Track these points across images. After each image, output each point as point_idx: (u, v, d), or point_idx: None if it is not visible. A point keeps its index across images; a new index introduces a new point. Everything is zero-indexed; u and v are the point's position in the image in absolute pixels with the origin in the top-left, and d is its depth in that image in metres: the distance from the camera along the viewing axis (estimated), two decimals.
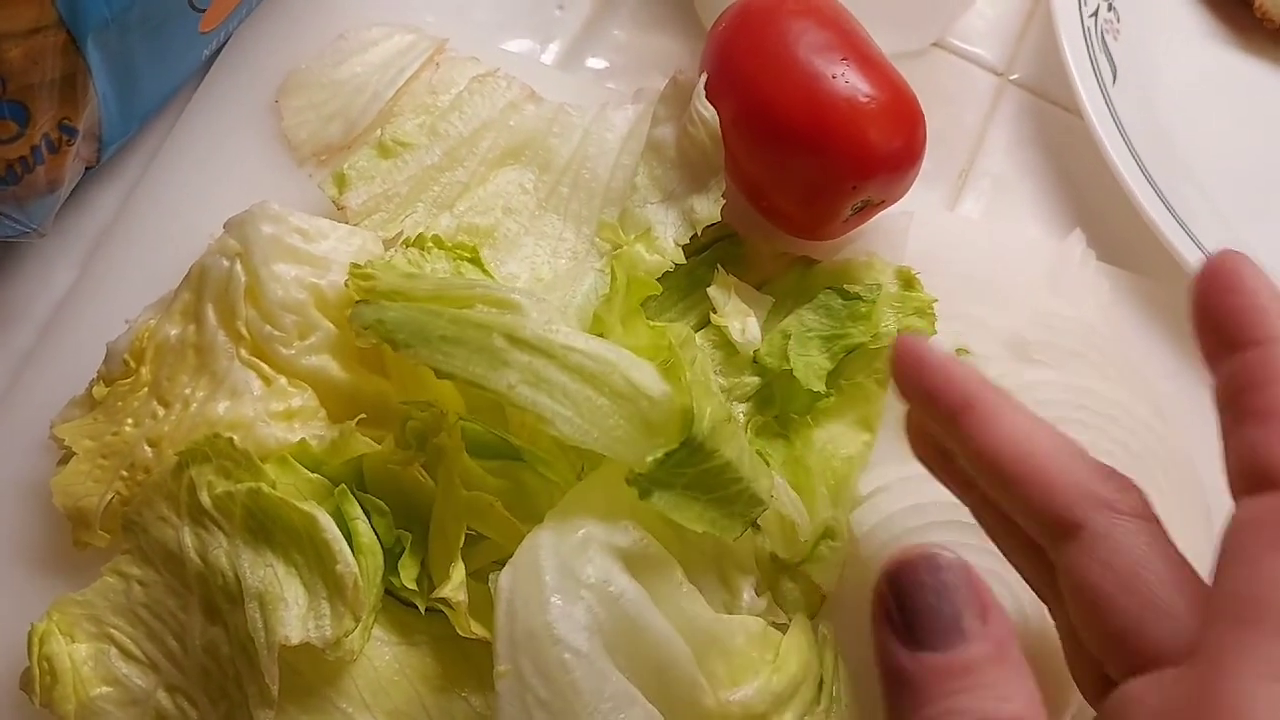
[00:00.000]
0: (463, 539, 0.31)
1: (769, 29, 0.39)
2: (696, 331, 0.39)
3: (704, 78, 0.39)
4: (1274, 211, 0.47)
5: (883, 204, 0.39)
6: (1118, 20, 0.49)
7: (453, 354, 0.31)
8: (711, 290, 0.39)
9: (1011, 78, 0.50)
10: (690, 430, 0.30)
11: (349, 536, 0.30)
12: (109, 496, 0.32)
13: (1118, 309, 0.44)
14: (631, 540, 0.30)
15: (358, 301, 0.32)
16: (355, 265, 0.33)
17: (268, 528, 0.30)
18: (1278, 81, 0.51)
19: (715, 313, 0.38)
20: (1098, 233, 0.45)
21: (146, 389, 0.33)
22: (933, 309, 0.39)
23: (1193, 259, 0.43)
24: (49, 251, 0.39)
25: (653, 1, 0.48)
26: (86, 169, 0.38)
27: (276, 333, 0.33)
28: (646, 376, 0.32)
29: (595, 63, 0.47)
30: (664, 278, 0.38)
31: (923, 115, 0.38)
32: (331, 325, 0.34)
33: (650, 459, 0.30)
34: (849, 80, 0.37)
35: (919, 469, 0.38)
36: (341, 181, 0.38)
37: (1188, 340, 0.44)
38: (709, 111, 0.39)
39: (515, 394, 0.31)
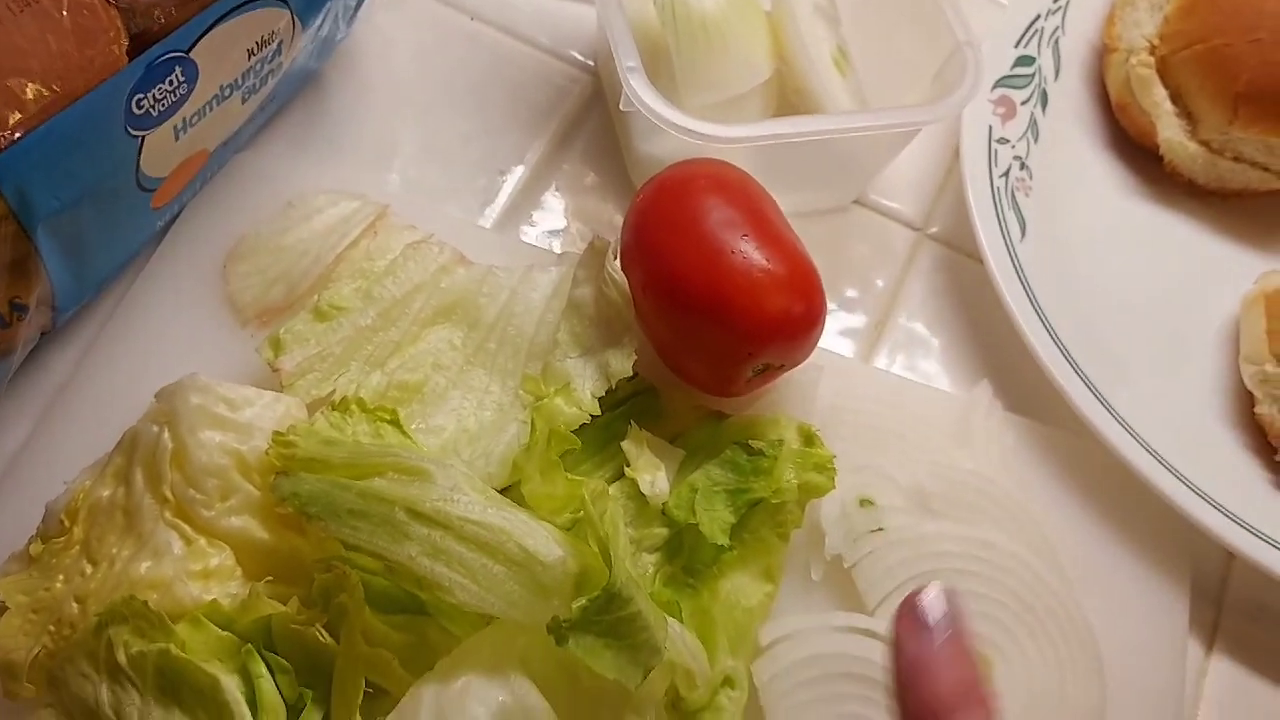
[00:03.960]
0: (361, 695, 0.33)
1: (681, 202, 0.41)
2: (611, 483, 0.41)
3: (616, 243, 0.42)
4: (1178, 363, 0.50)
5: (783, 366, 0.42)
6: (1030, 178, 0.52)
7: (359, 528, 0.33)
8: (625, 444, 0.41)
9: (929, 232, 0.53)
10: (610, 578, 0.32)
11: (253, 694, 0.32)
12: (36, 650, 0.34)
13: (1022, 459, 0.46)
14: (512, 693, 0.32)
15: (277, 473, 0.35)
16: (277, 433, 0.36)
17: (177, 687, 0.32)
18: (1187, 232, 0.54)
19: (628, 466, 0.41)
20: (1007, 383, 0.48)
21: (78, 547, 0.36)
22: (832, 464, 0.41)
23: (1092, 412, 0.45)
24: (5, 410, 0.41)
25: (590, 166, 0.52)
26: (42, 334, 0.41)
27: (199, 495, 0.35)
28: (540, 542, 0.34)
29: (534, 224, 0.50)
30: (582, 430, 0.41)
31: (820, 286, 0.41)
32: (253, 488, 0.36)
33: (576, 604, 0.32)
34: (748, 254, 0.40)
35: (818, 620, 0.40)
36: (277, 345, 0.41)
37: (1090, 491, 0.46)
38: (619, 276, 0.42)
39: (416, 565, 0.33)
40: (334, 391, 0.41)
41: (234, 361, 0.42)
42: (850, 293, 0.50)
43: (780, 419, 0.42)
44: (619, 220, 0.50)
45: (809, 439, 0.41)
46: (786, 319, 0.40)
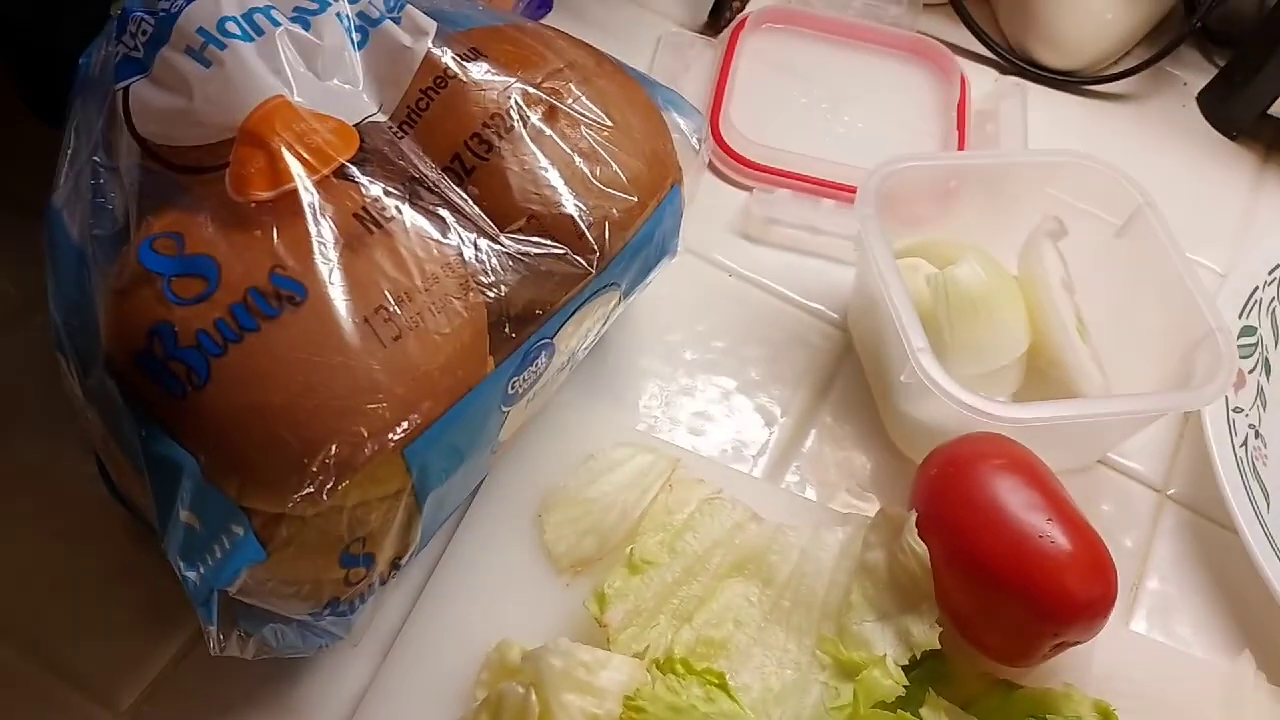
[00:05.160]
0: None
1: (980, 481, 0.45)
2: None
3: (914, 515, 0.45)
4: None
5: (1079, 642, 0.44)
6: (1265, 446, 0.55)
7: None
8: (924, 711, 0.43)
9: (1169, 493, 0.55)
10: None
11: None
12: None
13: None
14: None
15: None
16: (628, 698, 0.39)
17: None
18: None
19: None
20: (1270, 653, 0.49)
21: None
22: None
23: None
24: (341, 655, 0.44)
25: (844, 419, 0.55)
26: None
27: None
28: None
29: (799, 475, 0.53)
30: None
31: (1114, 567, 0.43)
32: None
33: None
34: (1053, 538, 0.42)
35: None
36: (602, 600, 0.44)
37: None
38: (920, 547, 0.44)
39: None
40: (647, 647, 0.43)
41: (552, 612, 0.45)
42: None
43: (1074, 695, 0.44)
44: (878, 473, 0.53)
45: (1107, 716, 0.43)
46: (1089, 601, 0.42)
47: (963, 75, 0.69)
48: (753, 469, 0.53)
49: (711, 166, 0.64)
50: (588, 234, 0.43)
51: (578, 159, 0.44)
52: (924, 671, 0.45)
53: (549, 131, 0.44)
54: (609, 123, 0.46)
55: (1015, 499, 0.43)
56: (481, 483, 0.49)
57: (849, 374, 0.57)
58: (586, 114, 0.45)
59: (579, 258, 0.43)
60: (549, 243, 0.42)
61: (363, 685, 0.44)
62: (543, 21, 0.70)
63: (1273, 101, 0.69)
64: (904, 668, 0.45)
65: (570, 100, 0.46)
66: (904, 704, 0.44)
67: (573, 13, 0.70)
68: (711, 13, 0.71)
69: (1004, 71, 0.72)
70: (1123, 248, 0.55)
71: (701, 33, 0.71)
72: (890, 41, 0.71)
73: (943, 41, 0.73)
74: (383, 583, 0.40)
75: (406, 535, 0.40)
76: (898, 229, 0.56)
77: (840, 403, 0.56)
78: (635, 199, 0.45)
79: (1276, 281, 0.60)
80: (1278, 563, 0.49)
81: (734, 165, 0.63)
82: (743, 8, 0.71)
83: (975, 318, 0.51)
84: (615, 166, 0.45)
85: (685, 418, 0.54)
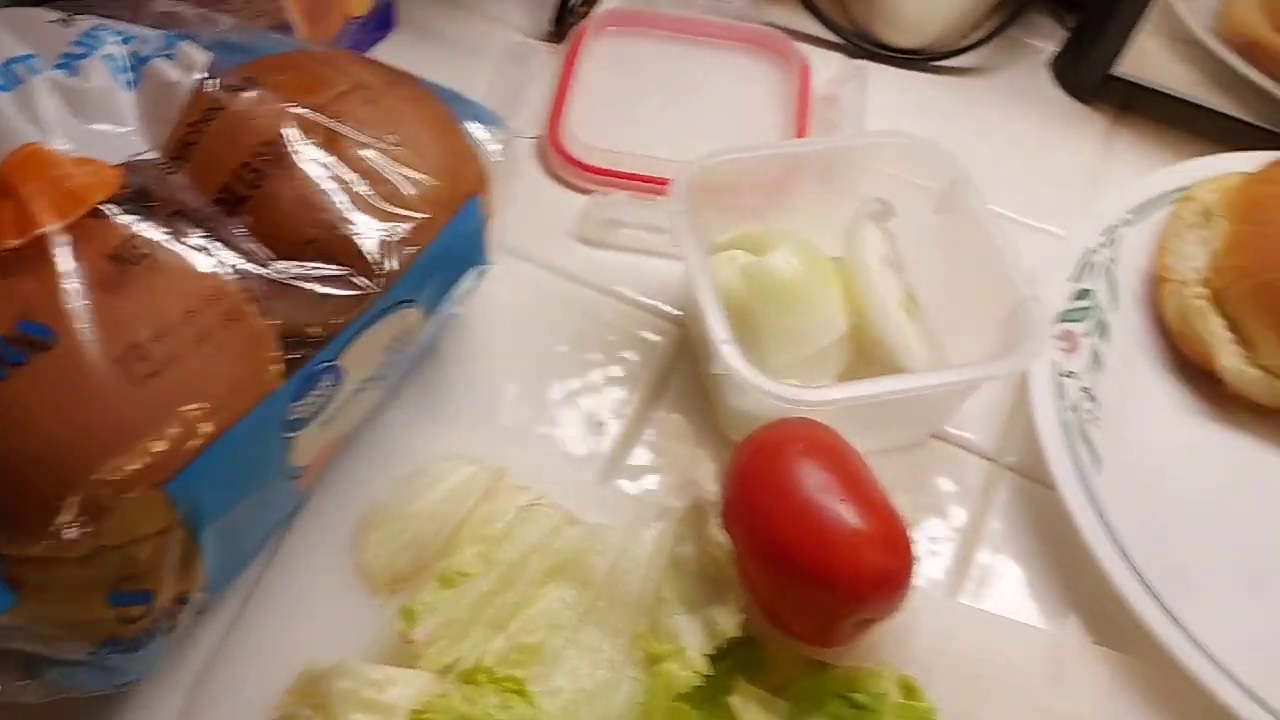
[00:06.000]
0: None
1: (778, 466, 0.45)
2: None
3: (717, 505, 0.46)
4: (1264, 581, 0.51)
5: (882, 618, 0.44)
6: (1099, 408, 0.55)
7: None
8: (733, 699, 0.44)
9: (1005, 461, 0.56)
10: None
11: None
12: None
13: (1116, 696, 0.47)
14: None
15: None
16: (415, 712, 0.39)
17: None
18: (1259, 451, 0.56)
19: None
20: (1096, 616, 0.50)
21: None
22: (934, 715, 0.43)
23: (1179, 646, 0.46)
24: (151, 688, 0.45)
25: (682, 413, 0.56)
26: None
27: None
28: None
29: (634, 475, 0.53)
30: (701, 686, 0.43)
31: (909, 541, 0.44)
32: None
33: None
34: (845, 518, 0.43)
35: None
36: (410, 616, 0.44)
37: None
38: (723, 537, 0.45)
39: None
40: (458, 660, 0.44)
41: (366, 632, 0.45)
42: (934, 528, 0.53)
43: (881, 671, 0.44)
44: (714, 468, 0.54)
45: (910, 691, 0.43)
46: (881, 578, 0.43)
47: (804, 63, 0.69)
48: (588, 470, 0.53)
49: (552, 173, 0.64)
50: (369, 254, 0.44)
51: (359, 180, 0.45)
52: (738, 659, 0.45)
53: (328, 155, 0.44)
54: (396, 142, 0.46)
55: (810, 482, 0.44)
56: (301, 505, 0.49)
57: (687, 369, 0.57)
58: (371, 135, 0.46)
59: (361, 279, 0.43)
60: (326, 267, 0.43)
61: (172, 717, 0.44)
62: (386, 41, 0.70)
63: (1114, 61, 0.69)
64: (719, 656, 0.45)
65: (354, 122, 0.46)
66: (716, 692, 0.44)
67: (416, 31, 0.71)
68: (554, 20, 0.71)
69: (853, 55, 0.73)
70: (943, 223, 0.56)
71: (547, 41, 0.71)
72: (734, 35, 0.72)
73: (792, 30, 0.73)
74: (171, 617, 0.41)
75: (188, 570, 0.40)
76: (727, 221, 0.57)
77: (679, 398, 0.56)
78: (426, 215, 0.46)
79: (1112, 243, 0.60)
80: (1098, 525, 0.50)
81: (574, 171, 0.63)
82: (588, 13, 0.72)
83: (789, 304, 0.52)
84: (402, 185, 0.45)
85: (520, 425, 0.54)
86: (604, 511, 0.49)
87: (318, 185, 0.44)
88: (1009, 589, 0.51)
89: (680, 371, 0.57)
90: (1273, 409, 0.56)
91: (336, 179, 0.44)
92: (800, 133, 0.66)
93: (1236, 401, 0.56)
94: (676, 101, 0.69)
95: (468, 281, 0.51)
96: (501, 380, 0.56)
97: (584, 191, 0.63)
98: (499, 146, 0.51)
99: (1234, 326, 0.55)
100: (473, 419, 0.54)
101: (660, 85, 0.69)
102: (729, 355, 0.47)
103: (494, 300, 0.58)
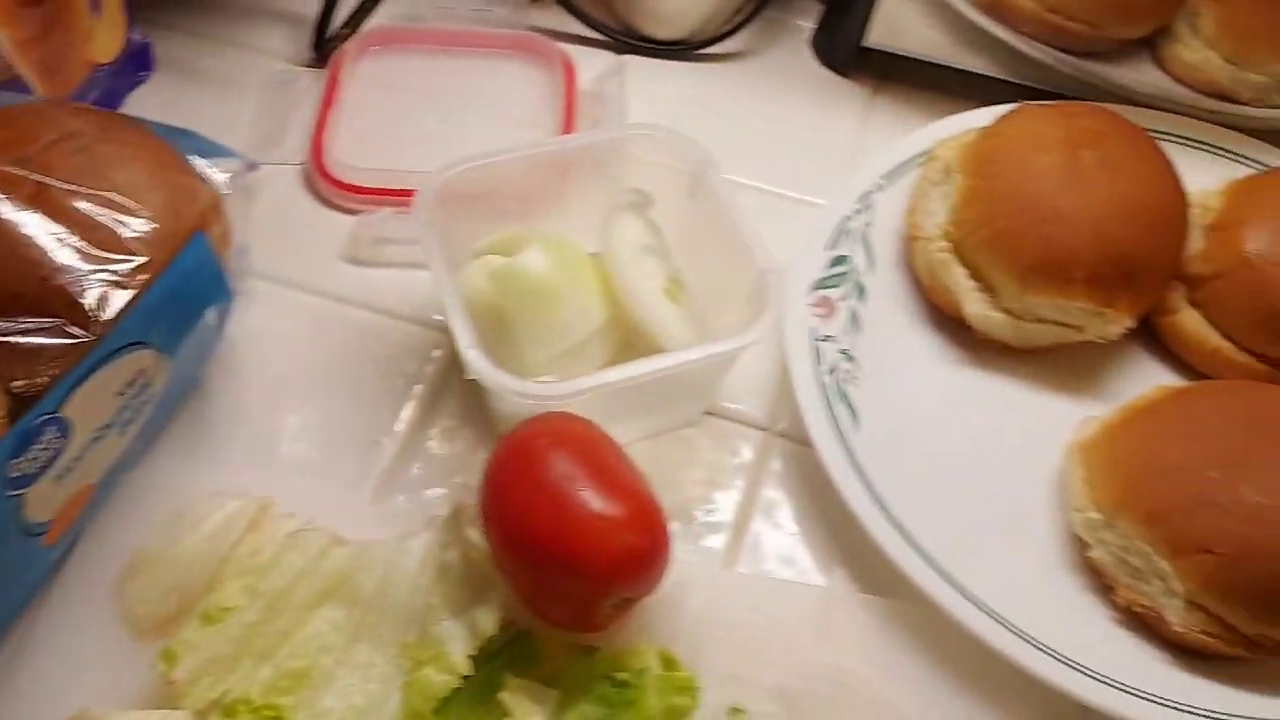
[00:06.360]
0: None
1: (526, 461, 0.46)
2: None
3: (473, 506, 0.47)
4: (1017, 520, 0.54)
5: (639, 597, 0.45)
6: (857, 368, 0.57)
7: None
8: (503, 695, 0.44)
9: (778, 429, 0.57)
10: None
11: None
12: None
13: (881, 640, 0.49)
14: None
15: None
16: None
17: None
18: (1011, 392, 0.58)
19: (508, 718, 0.44)
20: (864, 567, 0.52)
21: None
22: (693, 684, 0.44)
23: (933, 586, 0.48)
24: None
25: (461, 421, 0.56)
26: None
27: None
28: None
29: (412, 488, 0.54)
30: (464, 687, 0.44)
31: (660, 518, 0.45)
32: None
33: None
34: (589, 503, 0.44)
35: None
36: (170, 657, 0.44)
37: (948, 662, 0.49)
38: (477, 537, 0.46)
39: None
40: (226, 693, 0.44)
41: (133, 678, 0.45)
42: (710, 502, 0.54)
43: (642, 647, 0.45)
44: None
45: (669, 663, 0.45)
46: (630, 556, 0.44)
47: (568, 63, 0.71)
48: (364, 490, 0.54)
49: (320, 197, 0.64)
50: (83, 303, 0.43)
51: (69, 231, 0.44)
52: (510, 655, 0.46)
53: (31, 209, 0.44)
54: (109, 187, 0.46)
55: (556, 472, 0.45)
56: (64, 556, 0.48)
57: (462, 378, 0.58)
58: (82, 183, 0.46)
59: (75, 328, 0.43)
60: (37, 320, 0.43)
61: None
62: (146, 84, 0.70)
63: (865, 32, 0.72)
64: (490, 654, 0.46)
65: (63, 173, 0.46)
66: (486, 690, 0.45)
67: (177, 69, 0.70)
68: (314, 45, 0.71)
69: (619, 52, 0.74)
70: (695, 206, 0.57)
71: (311, 67, 0.71)
72: (498, 42, 0.72)
73: (557, 32, 0.74)
74: None
75: None
76: (491, 226, 0.58)
77: (458, 407, 0.57)
78: (145, 258, 0.46)
79: (867, 208, 0.63)
80: (855, 480, 0.52)
81: (339, 193, 0.64)
82: (351, 34, 0.72)
83: (541, 302, 0.53)
84: (117, 229, 0.45)
85: (292, 453, 0.54)
86: (377, 528, 0.50)
87: (23, 239, 0.43)
88: (783, 552, 0.53)
89: (457, 381, 0.58)
90: (1023, 349, 0.59)
91: (45, 231, 0.44)
92: (567, 132, 0.67)
93: (989, 347, 0.59)
94: (445, 114, 0.69)
95: (212, 316, 0.50)
96: (273, 410, 0.56)
97: (353, 213, 0.64)
98: (228, 177, 0.51)
99: (976, 275, 0.58)
100: (243, 452, 0.54)
101: (428, 99, 0.70)
102: (473, 360, 0.48)
103: (263, 330, 0.58)
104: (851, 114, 0.73)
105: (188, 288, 0.48)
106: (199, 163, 0.51)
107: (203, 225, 0.49)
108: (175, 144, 0.50)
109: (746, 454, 0.56)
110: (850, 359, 0.57)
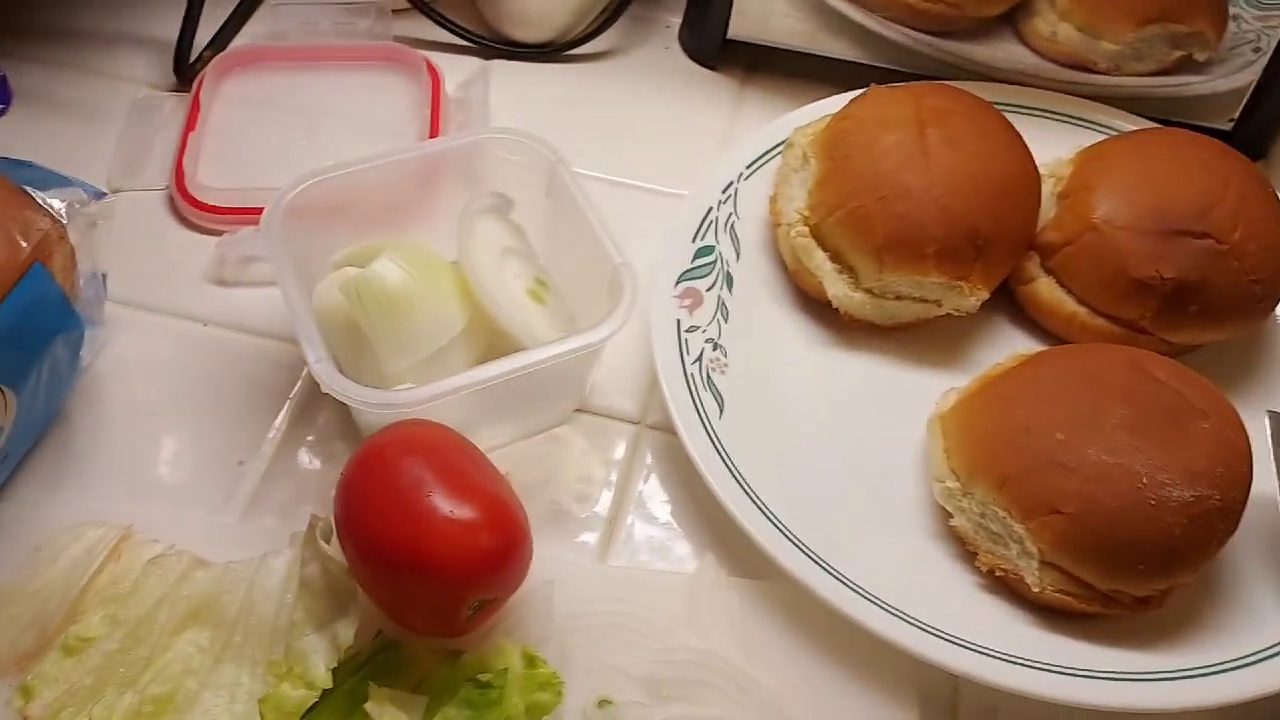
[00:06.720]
0: None
1: (377, 470, 0.46)
2: None
3: (327, 520, 0.47)
4: (884, 494, 0.54)
5: (499, 599, 0.45)
6: (725, 356, 0.58)
7: None
8: (368, 706, 0.44)
9: (649, 422, 0.58)
10: None
11: None
12: None
13: (750, 622, 0.50)
14: None
15: None
16: None
17: None
18: (878, 369, 0.59)
19: None
20: (733, 550, 0.52)
21: None
22: (556, 680, 0.45)
23: (799, 564, 0.49)
24: None
25: (333, 435, 0.56)
26: None
27: None
28: None
29: (279, 506, 0.53)
30: (328, 700, 0.44)
31: (516, 518, 0.45)
32: None
33: None
34: (438, 508, 0.44)
35: None
36: (27, 693, 0.44)
37: (816, 639, 0.50)
38: (333, 550, 0.46)
39: None
40: None
41: None
42: (584, 498, 0.55)
43: (504, 647, 0.45)
44: None
45: (531, 661, 0.45)
46: (484, 558, 0.44)
47: (434, 72, 0.71)
48: (230, 511, 0.53)
49: (183, 220, 0.64)
50: None
51: None
52: (377, 665, 0.46)
53: None
54: None
55: (406, 479, 0.45)
56: None
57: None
58: None
59: None
60: None
61: None
62: (3, 118, 0.69)
63: (728, 24, 0.73)
64: (359, 668, 0.46)
65: None
66: (351, 702, 0.45)
67: (35, 101, 0.69)
68: (175, 69, 0.70)
69: (486, 58, 0.74)
70: (552, 206, 0.58)
71: (175, 91, 0.71)
72: (363, 54, 0.72)
73: (425, 41, 0.74)
74: None
75: None
76: (351, 237, 0.57)
77: (330, 421, 0.57)
78: None
79: (730, 199, 0.63)
80: (721, 467, 0.52)
81: (201, 215, 0.63)
82: (214, 56, 0.71)
83: (395, 311, 0.52)
84: None
85: (155, 478, 0.54)
86: (242, 548, 0.49)
87: None
88: (657, 543, 0.54)
89: (326, 397, 0.57)
90: (889, 327, 0.60)
91: None
92: (433, 138, 0.67)
93: (856, 327, 0.60)
94: (310, 129, 0.69)
95: (61, 347, 0.50)
96: (140, 437, 0.55)
97: (217, 234, 0.63)
98: (66, 206, 0.50)
99: (836, 257, 0.59)
100: (108, 481, 0.53)
101: (293, 116, 0.69)
102: (321, 372, 0.48)
103: (128, 357, 0.58)
104: (721, 106, 0.74)
105: (28, 319, 0.47)
106: (38, 194, 0.50)
107: (42, 256, 0.48)
108: (11, 175, 0.50)
109: (619, 449, 0.57)
110: (717, 348, 0.58)
